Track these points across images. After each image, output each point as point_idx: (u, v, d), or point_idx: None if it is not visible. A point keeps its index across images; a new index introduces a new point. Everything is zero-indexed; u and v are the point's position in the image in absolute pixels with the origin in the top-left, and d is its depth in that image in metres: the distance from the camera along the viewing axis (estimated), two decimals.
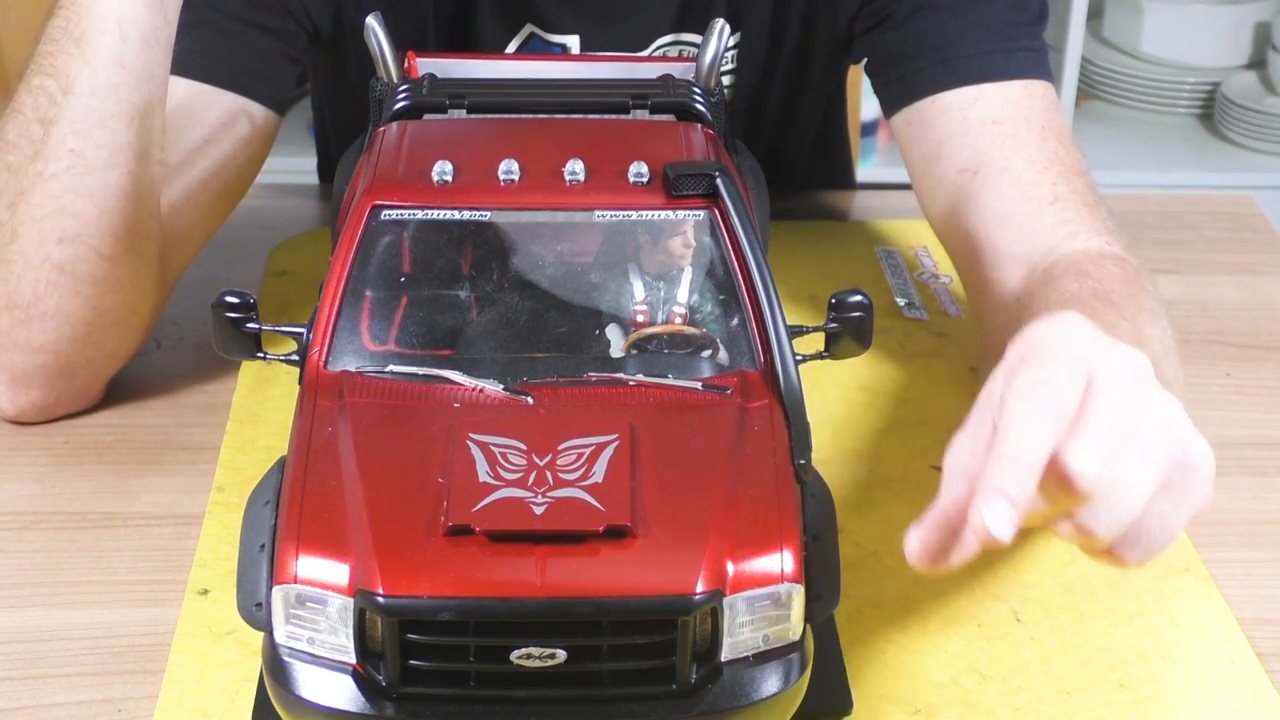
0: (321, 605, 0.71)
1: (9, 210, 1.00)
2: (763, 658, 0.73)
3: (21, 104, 1.00)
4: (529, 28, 1.21)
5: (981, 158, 1.09)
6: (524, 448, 0.75)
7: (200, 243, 1.12)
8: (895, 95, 1.15)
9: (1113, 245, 1.04)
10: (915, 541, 0.69)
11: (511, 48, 1.22)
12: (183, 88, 1.08)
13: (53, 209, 0.99)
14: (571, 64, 1.13)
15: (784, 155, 1.35)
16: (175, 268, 1.10)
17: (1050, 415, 0.68)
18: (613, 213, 0.84)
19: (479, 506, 0.71)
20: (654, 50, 1.22)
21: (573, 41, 1.22)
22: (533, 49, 1.22)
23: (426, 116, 0.93)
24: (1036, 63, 1.13)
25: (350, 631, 0.71)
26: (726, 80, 1.26)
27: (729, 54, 1.25)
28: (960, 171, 1.09)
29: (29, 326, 1.01)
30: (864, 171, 1.75)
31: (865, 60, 1.21)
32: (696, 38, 1.22)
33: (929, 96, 1.12)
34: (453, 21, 1.21)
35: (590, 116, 0.94)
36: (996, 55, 1.12)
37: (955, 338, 1.17)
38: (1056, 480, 0.68)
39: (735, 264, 0.83)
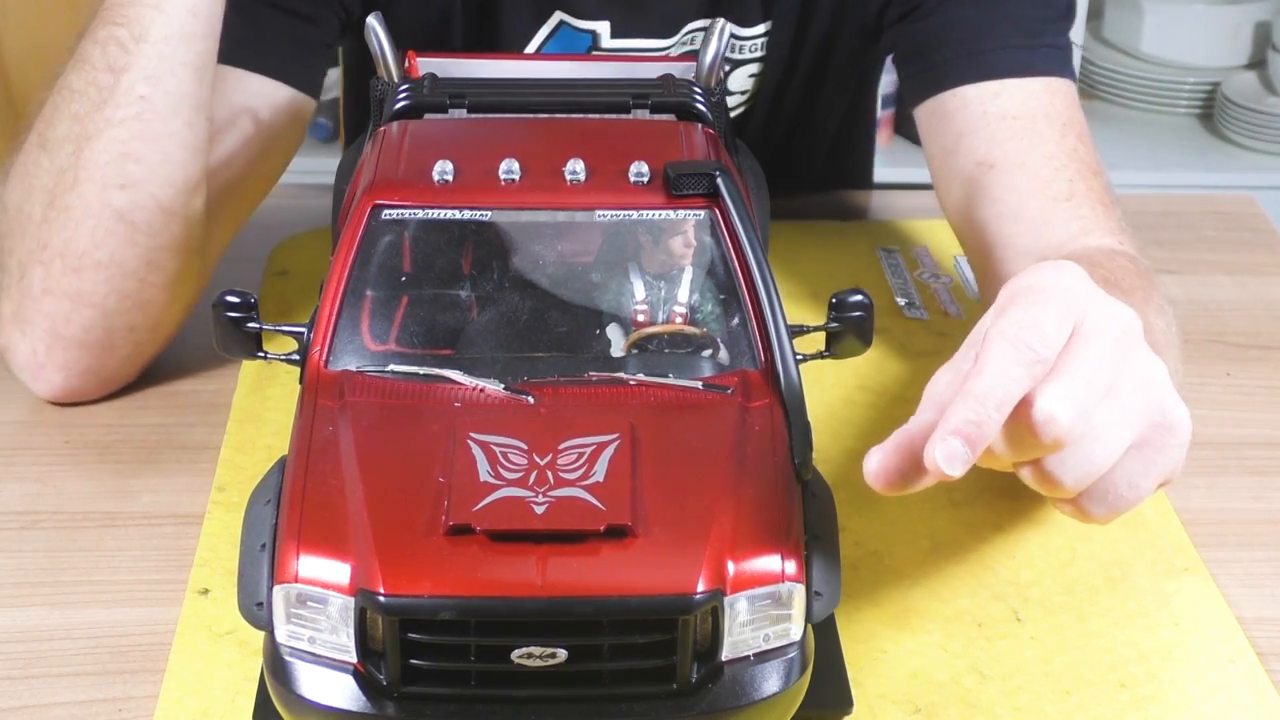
0: (322, 604, 0.71)
1: (73, 156, 1.01)
2: (763, 657, 0.73)
3: (88, 54, 1.02)
4: (558, 15, 1.21)
5: (999, 152, 1.09)
6: (525, 447, 0.75)
7: (233, 226, 1.13)
8: (919, 86, 1.15)
9: (1125, 245, 1.04)
10: (875, 463, 0.69)
11: (540, 35, 1.22)
12: (215, 72, 1.08)
13: (118, 153, 1.01)
14: (572, 64, 1.13)
15: (802, 146, 1.35)
16: (213, 250, 1.11)
17: (1029, 358, 0.68)
18: (613, 212, 0.84)
19: (480, 506, 0.72)
20: (684, 35, 1.22)
21: (603, 28, 1.22)
22: (562, 36, 1.22)
23: (427, 116, 0.93)
24: (1060, 60, 1.14)
25: (351, 631, 0.71)
26: (754, 68, 1.27)
27: (758, 41, 1.25)
28: (978, 165, 1.10)
29: (80, 275, 1.02)
30: None
31: (893, 52, 1.21)
32: (732, 27, 1.22)
33: (951, 89, 1.13)
34: (480, 9, 1.21)
35: (591, 116, 0.94)
36: (1021, 51, 1.12)
37: (955, 338, 1.17)
38: (1026, 425, 0.68)
39: (736, 263, 0.83)
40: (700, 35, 1.22)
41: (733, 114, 1.30)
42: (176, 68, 1.02)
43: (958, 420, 0.67)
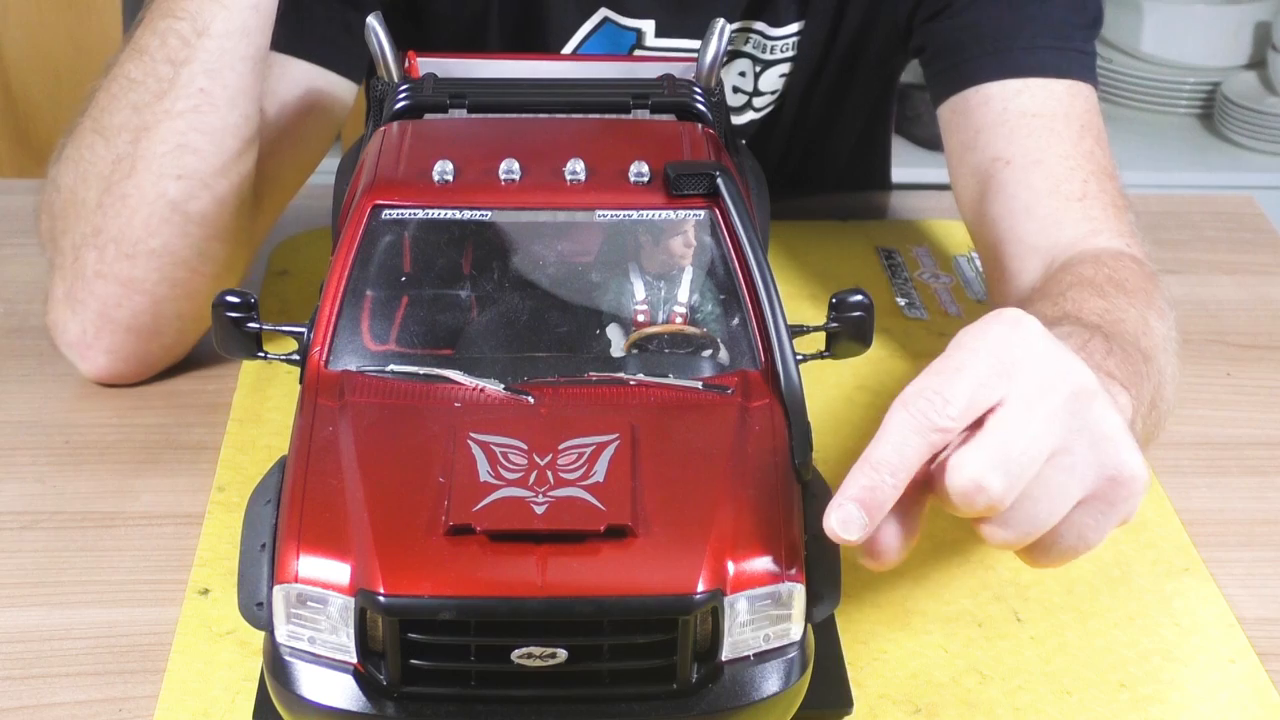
0: (322, 604, 0.71)
1: (130, 144, 1.02)
2: (763, 657, 0.73)
3: (146, 45, 1.03)
4: (603, 11, 1.22)
5: (1016, 149, 1.09)
6: (525, 447, 0.75)
7: (275, 214, 1.14)
8: (944, 84, 1.16)
9: (1132, 247, 1.04)
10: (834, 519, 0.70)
11: (583, 31, 1.22)
12: None
13: (175, 144, 1.02)
14: (572, 64, 1.13)
15: (828, 146, 1.36)
16: (256, 237, 1.11)
17: (925, 426, 0.69)
18: (613, 212, 0.84)
19: (480, 506, 0.72)
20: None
21: (648, 26, 1.22)
22: (605, 33, 1.22)
23: (427, 116, 0.93)
24: (1085, 66, 1.14)
25: (351, 631, 0.71)
26: (785, 68, 1.27)
27: (789, 40, 1.25)
28: (994, 160, 1.10)
29: (133, 261, 1.03)
30: None
31: (921, 51, 1.21)
32: (766, 27, 1.22)
33: (975, 85, 1.13)
34: (523, 3, 1.21)
35: (591, 116, 0.94)
36: (1049, 52, 1.12)
37: None
38: (955, 493, 0.69)
39: (736, 264, 0.83)
40: (738, 36, 1.22)
41: (761, 114, 1.30)
42: (236, 62, 1.03)
43: (854, 488, 0.68)
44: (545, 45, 1.22)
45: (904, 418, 0.69)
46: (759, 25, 1.23)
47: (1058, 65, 1.12)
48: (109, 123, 1.04)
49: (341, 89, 1.15)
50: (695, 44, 1.17)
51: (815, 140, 1.33)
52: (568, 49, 1.23)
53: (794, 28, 1.24)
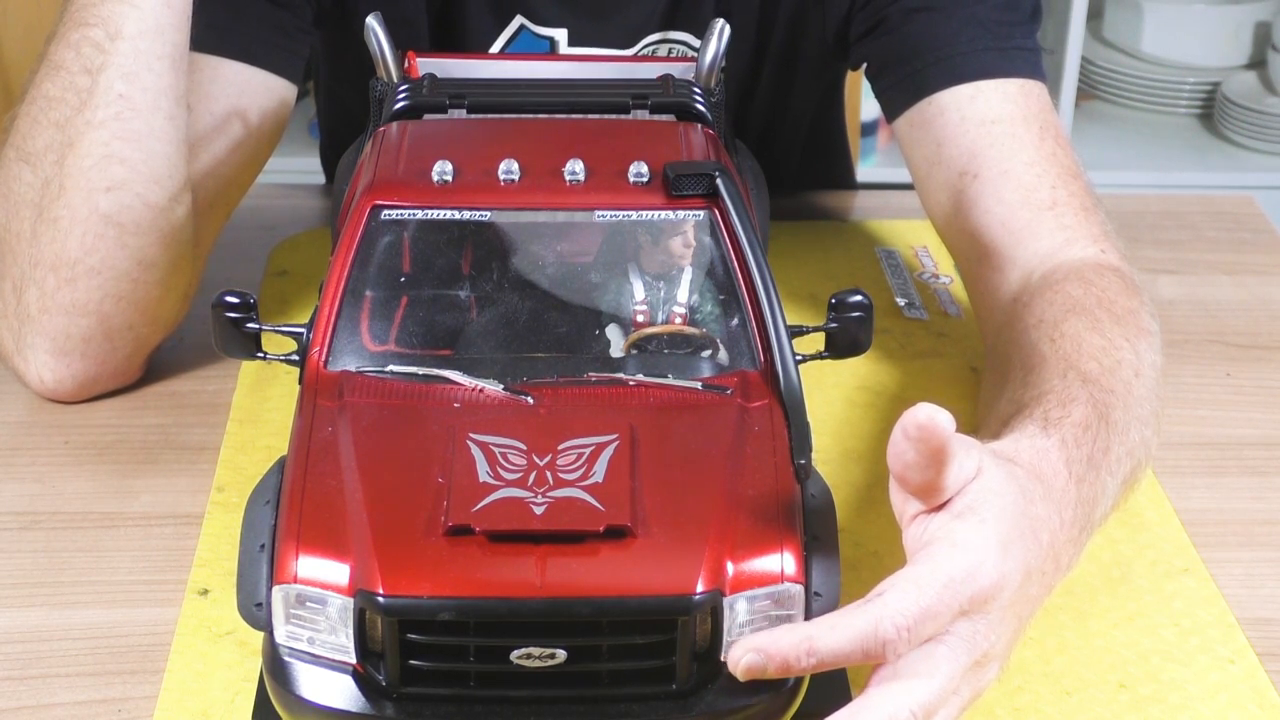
0: (321, 605, 0.71)
1: (56, 165, 1.01)
2: None
3: (62, 60, 1.02)
4: (519, 19, 1.22)
5: (981, 160, 1.09)
6: (524, 448, 0.75)
7: (224, 214, 1.14)
8: (895, 99, 1.15)
9: (1109, 254, 1.04)
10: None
11: (501, 39, 1.22)
12: (191, 61, 1.08)
13: (100, 156, 1.01)
14: (571, 64, 1.13)
15: (774, 154, 1.35)
16: (205, 238, 1.11)
17: (877, 643, 0.71)
18: (613, 213, 0.84)
19: (479, 506, 0.72)
20: (642, 48, 1.22)
21: (561, 35, 1.22)
22: (522, 41, 1.22)
23: (426, 116, 0.93)
24: (1031, 62, 1.13)
25: (350, 631, 0.71)
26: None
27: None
28: (961, 175, 1.10)
29: (74, 285, 1.02)
30: (864, 171, 1.74)
31: (865, 66, 1.21)
32: (685, 36, 1.22)
33: (927, 97, 1.12)
34: (442, 10, 1.22)
35: (590, 116, 0.94)
36: (991, 53, 1.12)
37: (955, 338, 1.17)
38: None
39: (735, 264, 0.83)
40: (659, 48, 1.22)
41: None
42: (153, 62, 1.01)
43: (778, 644, 0.70)
44: (468, 52, 1.22)
45: (866, 624, 0.70)
46: (679, 35, 1.22)
47: (1003, 66, 1.12)
48: (33, 147, 1.02)
49: (279, 88, 1.15)
50: (609, 54, 1.18)
51: (758, 148, 1.32)
52: None
53: None
